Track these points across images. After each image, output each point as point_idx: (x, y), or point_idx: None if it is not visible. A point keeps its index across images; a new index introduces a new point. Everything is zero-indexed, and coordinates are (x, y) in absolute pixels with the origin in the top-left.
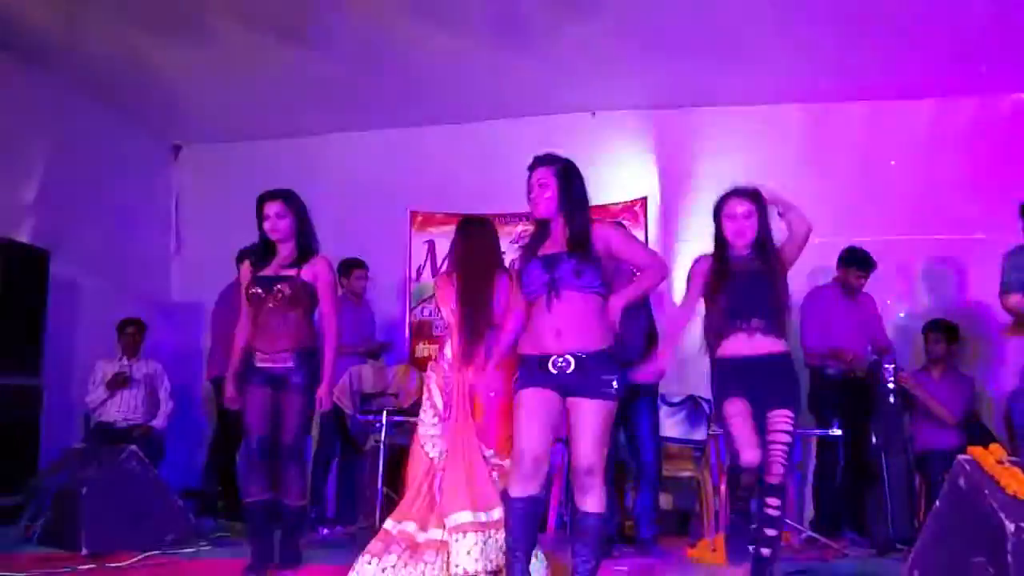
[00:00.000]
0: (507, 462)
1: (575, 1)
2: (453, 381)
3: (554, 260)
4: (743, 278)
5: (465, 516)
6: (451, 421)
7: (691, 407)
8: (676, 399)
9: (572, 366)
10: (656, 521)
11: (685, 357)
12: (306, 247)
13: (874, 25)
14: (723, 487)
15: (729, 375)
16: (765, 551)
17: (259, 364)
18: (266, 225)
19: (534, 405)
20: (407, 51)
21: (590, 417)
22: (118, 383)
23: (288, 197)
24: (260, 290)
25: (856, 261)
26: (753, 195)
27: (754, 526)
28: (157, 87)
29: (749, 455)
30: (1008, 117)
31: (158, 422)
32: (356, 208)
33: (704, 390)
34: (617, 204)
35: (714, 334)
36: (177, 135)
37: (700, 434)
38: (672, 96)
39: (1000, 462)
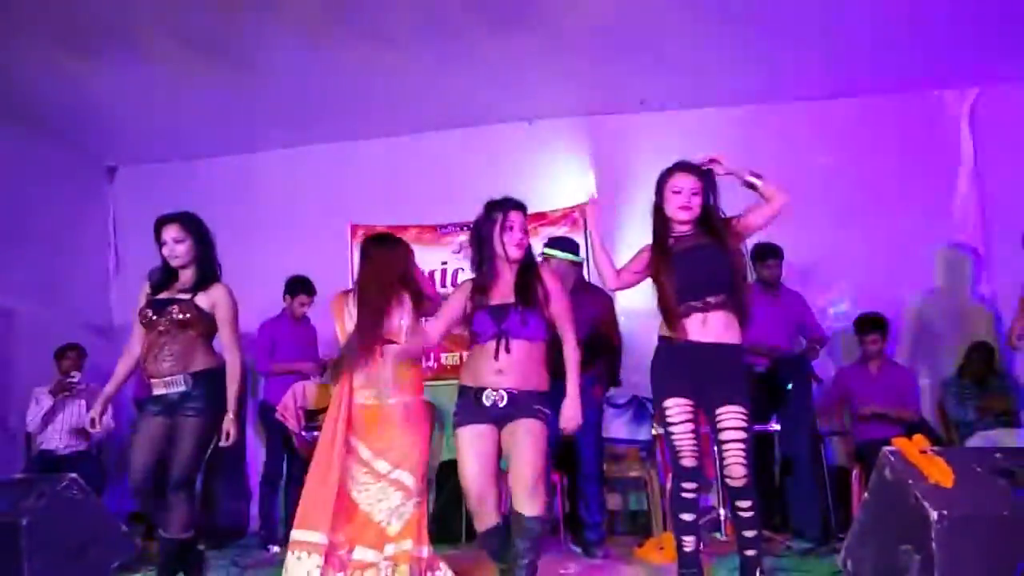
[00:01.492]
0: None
1: (505, 12)
2: (336, 395)
3: (503, 311)
4: (690, 253)
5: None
6: (322, 435)
7: (636, 407)
8: (620, 400)
9: (505, 401)
10: (601, 523)
11: (629, 359)
12: (205, 273)
13: (802, 26)
14: (669, 486)
15: (673, 362)
16: (749, 552)
17: (154, 391)
18: (164, 250)
19: (470, 446)
20: (341, 66)
21: (525, 435)
22: (62, 388)
23: (186, 220)
24: (152, 313)
25: (764, 253)
26: (700, 171)
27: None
28: (89, 109)
29: (689, 462)
30: (930, 114)
31: (98, 434)
32: (297, 223)
33: (647, 391)
34: (556, 211)
35: (667, 315)
36: (111, 157)
37: (645, 434)
38: (606, 103)
39: (923, 452)
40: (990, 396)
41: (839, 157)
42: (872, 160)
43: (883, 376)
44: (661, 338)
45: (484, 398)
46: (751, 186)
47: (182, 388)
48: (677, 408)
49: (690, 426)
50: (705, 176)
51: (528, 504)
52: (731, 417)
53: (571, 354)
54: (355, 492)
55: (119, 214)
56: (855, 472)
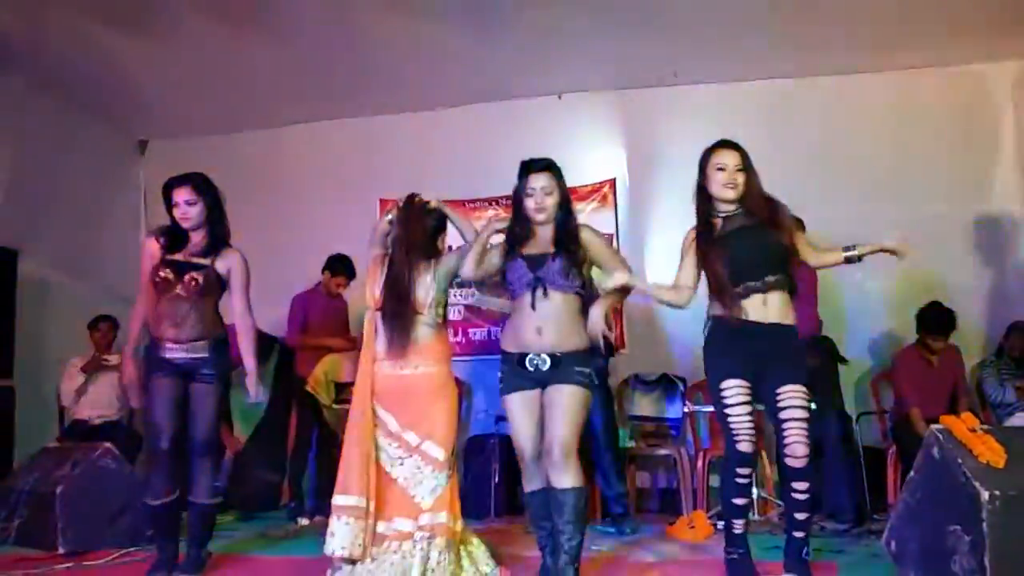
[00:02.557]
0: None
1: None
2: (362, 368)
3: (540, 260)
4: (743, 232)
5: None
6: (352, 405)
7: (665, 385)
8: (650, 377)
9: (548, 364)
10: (628, 498)
11: (658, 336)
12: (218, 236)
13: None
14: (700, 464)
15: (732, 342)
16: (798, 534)
17: (167, 355)
18: (176, 212)
19: (521, 409)
20: (371, 40)
21: (564, 399)
22: (94, 364)
23: (198, 182)
24: (171, 274)
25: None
26: (742, 150)
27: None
28: (121, 83)
29: (745, 447)
30: (971, 88)
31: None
32: (326, 198)
33: (678, 368)
34: (586, 186)
35: (723, 296)
36: (143, 131)
37: (675, 412)
38: (638, 76)
39: (972, 430)
40: None
41: (875, 131)
42: (910, 135)
43: (943, 366)
44: (715, 318)
45: (527, 363)
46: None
47: (201, 354)
48: (736, 389)
49: (748, 408)
50: (746, 155)
51: (559, 475)
52: (793, 396)
53: (619, 276)
54: (389, 466)
55: (150, 187)
56: (891, 452)
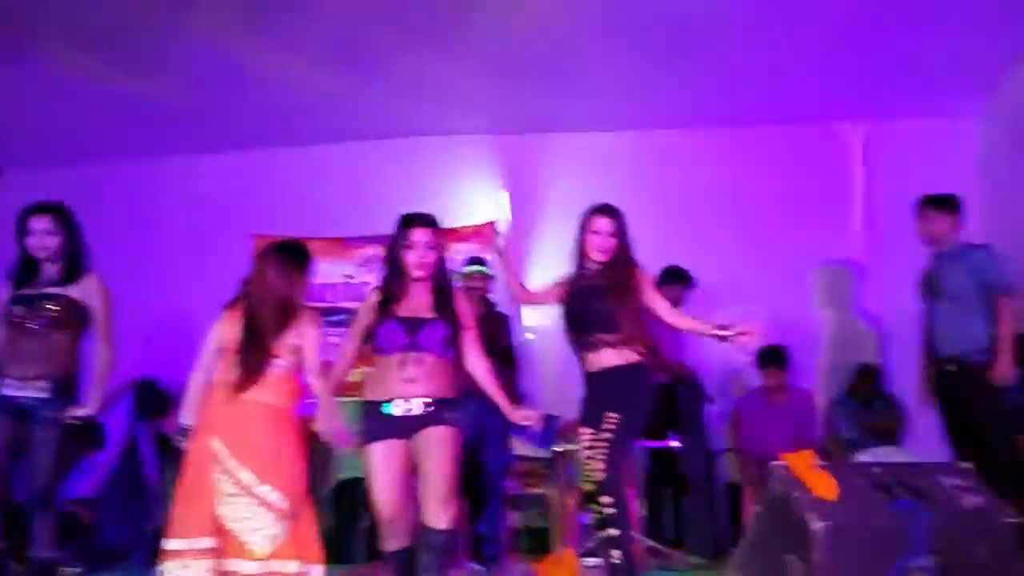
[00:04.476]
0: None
1: (420, 28)
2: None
3: (416, 323)
4: (590, 293)
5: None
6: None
7: (541, 425)
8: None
9: (416, 408)
10: (501, 537)
11: (535, 377)
12: (76, 265)
13: (709, 57)
14: (571, 502)
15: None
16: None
17: (4, 392)
18: (31, 241)
19: (383, 461)
20: (249, 74)
21: (439, 444)
22: None
23: (59, 212)
24: (21, 309)
25: (676, 277)
26: (618, 214)
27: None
28: None
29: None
30: (826, 143)
31: None
32: (197, 233)
33: (551, 408)
34: (467, 228)
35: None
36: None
37: (548, 451)
38: (516, 122)
39: (810, 467)
40: (874, 416)
41: (742, 181)
42: (771, 185)
43: (784, 404)
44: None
45: (394, 407)
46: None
47: (43, 394)
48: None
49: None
50: (621, 219)
51: (437, 516)
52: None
53: (486, 365)
54: (220, 506)
55: (6, 217)
56: (747, 489)
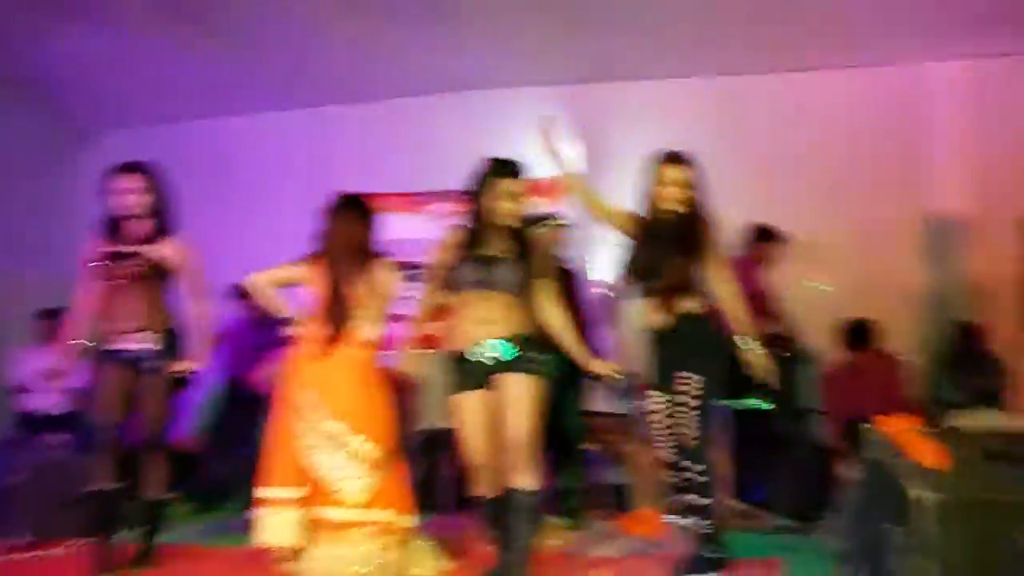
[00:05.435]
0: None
1: None
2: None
3: (493, 261)
4: (663, 242)
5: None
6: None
7: (621, 380)
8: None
9: (497, 352)
10: (583, 494)
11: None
12: (162, 223)
13: None
14: (652, 460)
15: (651, 348)
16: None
17: (112, 346)
18: (119, 200)
19: (470, 411)
20: (322, 31)
21: (516, 391)
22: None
23: (144, 170)
24: (111, 264)
25: (765, 236)
26: (691, 163)
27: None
28: (67, 73)
29: (663, 454)
30: (921, 86)
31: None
32: (270, 190)
33: (634, 363)
34: (535, 181)
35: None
36: (90, 121)
37: (628, 407)
38: (588, 71)
39: (908, 431)
40: (978, 377)
41: (823, 130)
42: (856, 134)
43: (874, 365)
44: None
45: (475, 352)
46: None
47: (147, 345)
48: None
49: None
50: (694, 168)
51: (521, 475)
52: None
53: (562, 315)
54: (310, 453)
55: (96, 177)
56: (840, 450)
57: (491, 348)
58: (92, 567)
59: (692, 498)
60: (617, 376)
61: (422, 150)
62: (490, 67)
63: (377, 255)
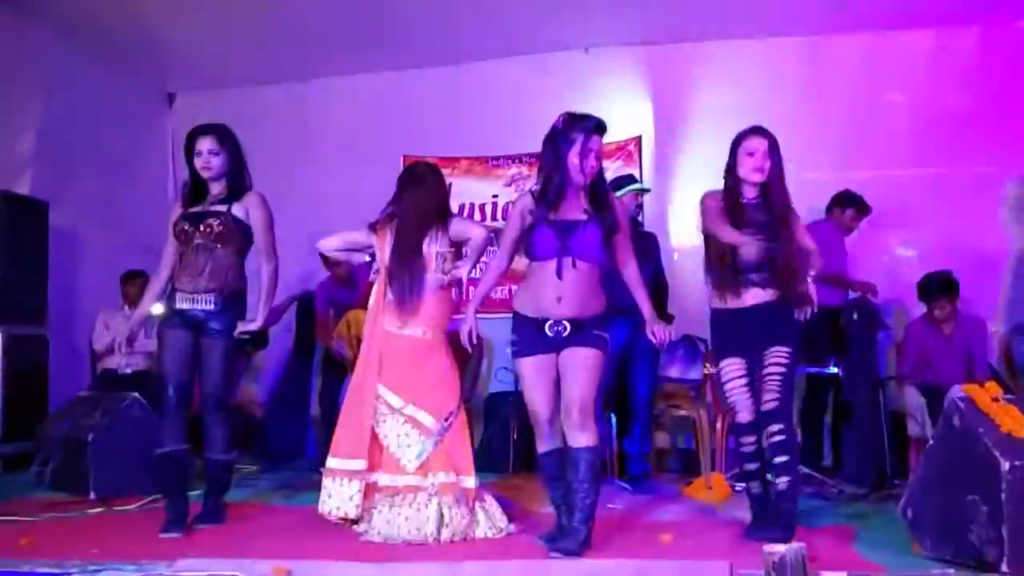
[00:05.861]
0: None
1: None
2: (368, 330)
3: (570, 227)
4: (755, 226)
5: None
6: (358, 363)
7: (687, 346)
8: (672, 339)
9: (568, 330)
10: (649, 459)
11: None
12: (239, 184)
13: None
14: (719, 426)
15: (728, 325)
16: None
17: (179, 305)
18: (197, 162)
19: (536, 373)
20: None
21: (580, 360)
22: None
23: (222, 132)
24: (188, 226)
25: (849, 202)
26: (772, 136)
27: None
28: (149, 36)
29: (743, 416)
30: (1011, 46)
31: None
32: (349, 152)
33: (700, 330)
34: (611, 144)
35: (719, 283)
36: (171, 83)
37: (696, 373)
38: (666, 31)
39: (995, 400)
40: None
41: (909, 89)
42: (945, 92)
43: (956, 336)
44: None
45: (547, 329)
46: None
47: (210, 307)
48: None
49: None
50: (775, 141)
51: (577, 434)
52: (775, 355)
53: (637, 269)
54: (377, 421)
55: (178, 140)
56: (917, 417)
57: (561, 326)
58: (163, 524)
59: (781, 459)
60: (666, 336)
61: (498, 113)
62: (569, 28)
63: (449, 221)
